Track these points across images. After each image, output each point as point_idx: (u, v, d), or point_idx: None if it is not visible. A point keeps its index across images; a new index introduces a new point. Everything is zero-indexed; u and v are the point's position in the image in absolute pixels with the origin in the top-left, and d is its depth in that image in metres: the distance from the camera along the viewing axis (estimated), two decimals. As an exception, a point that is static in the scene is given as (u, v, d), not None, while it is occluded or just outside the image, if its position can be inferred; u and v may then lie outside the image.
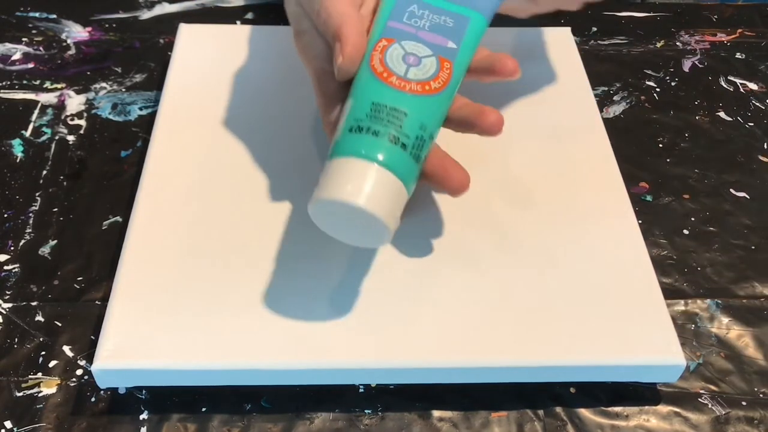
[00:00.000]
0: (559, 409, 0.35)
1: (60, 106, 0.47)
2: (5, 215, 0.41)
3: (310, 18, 0.35)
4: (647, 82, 0.51)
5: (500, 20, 0.55)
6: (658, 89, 0.51)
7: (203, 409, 0.34)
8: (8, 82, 0.49)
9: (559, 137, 0.42)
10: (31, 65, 0.50)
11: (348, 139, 0.31)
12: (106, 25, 0.53)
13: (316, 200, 0.31)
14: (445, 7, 0.35)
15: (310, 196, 0.31)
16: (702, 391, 0.36)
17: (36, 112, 0.47)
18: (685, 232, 0.42)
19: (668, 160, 0.46)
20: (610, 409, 0.35)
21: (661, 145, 0.47)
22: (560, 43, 0.48)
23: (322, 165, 0.39)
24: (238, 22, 0.54)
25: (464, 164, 0.39)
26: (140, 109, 0.47)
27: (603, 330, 0.34)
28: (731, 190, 0.45)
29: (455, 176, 0.33)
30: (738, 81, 0.52)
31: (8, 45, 0.51)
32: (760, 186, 0.45)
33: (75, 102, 0.48)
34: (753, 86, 0.51)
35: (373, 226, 0.31)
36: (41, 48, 0.51)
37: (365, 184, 0.30)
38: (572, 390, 0.36)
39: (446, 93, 0.33)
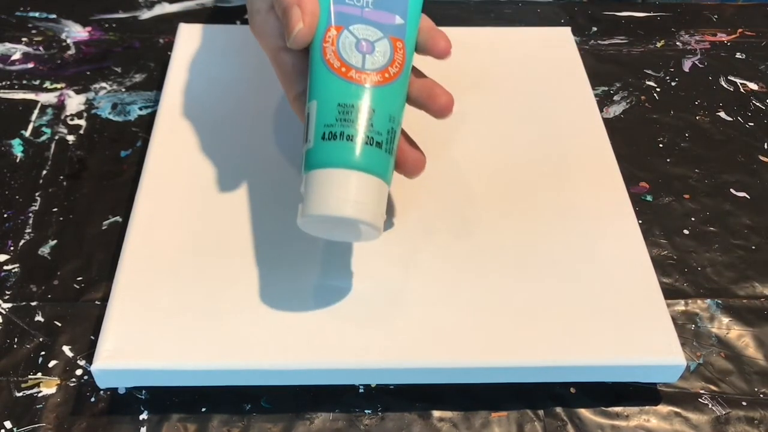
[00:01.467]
0: (559, 409, 0.35)
1: (60, 106, 0.47)
2: (5, 215, 0.41)
3: None
4: (647, 82, 0.51)
5: (501, 20, 0.56)
6: (658, 89, 0.51)
7: (203, 409, 0.34)
8: (8, 82, 0.49)
9: (559, 137, 0.42)
10: (30, 65, 0.50)
11: (323, 148, 0.31)
12: (106, 25, 0.53)
13: (303, 215, 0.31)
14: None
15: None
16: (702, 392, 0.36)
17: (36, 112, 0.47)
18: (686, 232, 0.42)
19: (668, 160, 0.46)
20: (610, 409, 0.35)
21: (661, 145, 0.47)
22: (560, 43, 0.48)
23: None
24: (238, 22, 0.54)
25: (463, 163, 0.39)
26: (140, 109, 0.47)
27: (603, 330, 0.34)
28: (731, 190, 0.45)
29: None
30: (738, 81, 0.52)
31: (8, 45, 0.51)
32: (760, 186, 0.45)
33: (75, 102, 0.48)
34: (753, 86, 0.51)
35: (362, 228, 0.31)
36: (41, 48, 0.51)
37: (349, 193, 0.30)
38: (572, 390, 0.36)
39: (404, 75, 0.33)
